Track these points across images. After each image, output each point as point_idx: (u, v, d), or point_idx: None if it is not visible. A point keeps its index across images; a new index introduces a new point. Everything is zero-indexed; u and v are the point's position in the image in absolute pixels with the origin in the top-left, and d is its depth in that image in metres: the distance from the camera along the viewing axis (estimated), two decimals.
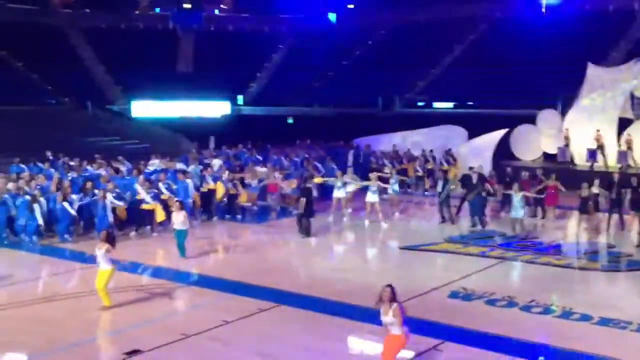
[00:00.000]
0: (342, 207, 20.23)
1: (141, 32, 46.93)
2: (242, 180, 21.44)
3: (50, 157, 23.23)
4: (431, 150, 26.67)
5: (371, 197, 19.42)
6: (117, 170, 21.01)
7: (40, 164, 21.93)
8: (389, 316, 8.03)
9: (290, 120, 40.36)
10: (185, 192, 18.91)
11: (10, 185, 17.57)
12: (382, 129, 31.65)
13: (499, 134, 27.73)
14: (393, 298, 8.03)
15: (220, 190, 20.02)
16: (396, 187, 20.98)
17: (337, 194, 20.06)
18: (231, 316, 10.97)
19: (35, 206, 16.65)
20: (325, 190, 21.64)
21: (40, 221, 16.76)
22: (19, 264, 15.35)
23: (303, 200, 17.69)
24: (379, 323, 10.29)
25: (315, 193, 20.57)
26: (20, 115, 33.05)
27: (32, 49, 39.64)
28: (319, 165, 24.30)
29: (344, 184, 20.27)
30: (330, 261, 16.20)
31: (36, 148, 24.97)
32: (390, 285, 8.12)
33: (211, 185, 20.02)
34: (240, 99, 44.62)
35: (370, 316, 10.82)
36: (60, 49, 42.61)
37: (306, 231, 17.73)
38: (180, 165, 22.58)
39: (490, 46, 39.73)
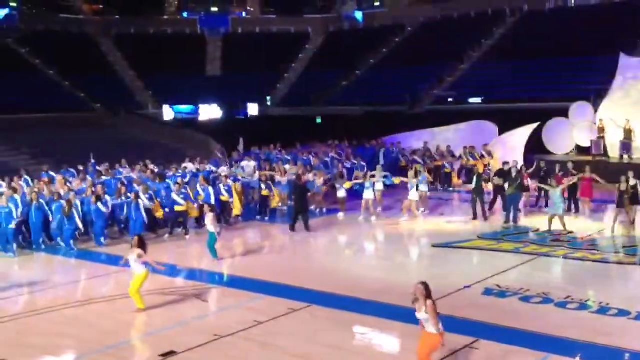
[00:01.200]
0: (371, 207, 20.08)
1: (170, 36, 47.44)
2: (272, 179, 21.51)
3: (91, 162, 23.61)
4: (466, 147, 26.40)
5: (412, 194, 19.39)
6: (162, 176, 20.78)
7: (71, 169, 22.27)
8: (422, 312, 7.99)
9: (318, 120, 40.34)
10: (210, 195, 19.00)
11: (45, 191, 17.91)
12: (411, 127, 31.48)
13: (530, 128, 27.38)
14: (427, 295, 7.97)
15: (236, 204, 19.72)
16: (425, 184, 20.81)
17: (367, 194, 19.98)
18: (263, 317, 11.02)
19: (73, 210, 16.92)
20: (355, 190, 21.60)
21: (80, 225, 17.05)
22: (55, 268, 15.66)
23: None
24: (412, 322, 10.27)
25: (343, 193, 20.57)
26: (54, 122, 33.65)
27: (64, 56, 40.30)
28: (347, 164, 24.31)
29: (373, 185, 20.16)
30: (362, 260, 16.16)
31: (69, 154, 25.44)
32: (423, 283, 8.07)
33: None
34: (268, 99, 44.80)
35: (402, 315, 10.78)
36: (92, 56, 43.28)
37: (306, 225, 18.25)
38: (210, 168, 22.82)
39: (519, 39, 39.13)
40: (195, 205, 18.43)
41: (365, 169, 22.74)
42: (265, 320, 10.89)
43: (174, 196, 18.16)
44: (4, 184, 18.86)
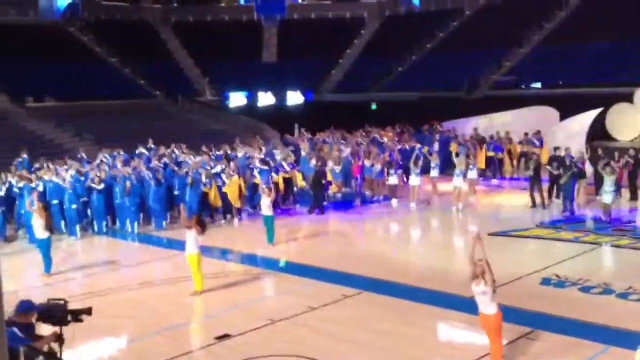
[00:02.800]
0: (417, 194, 19.84)
1: (227, 23, 47.92)
2: (325, 166, 21.54)
3: (151, 146, 24.17)
4: (526, 134, 25.78)
5: (456, 181, 19.07)
6: (227, 157, 21.31)
7: (123, 154, 22.72)
8: (480, 285, 7.88)
9: (373, 106, 40.12)
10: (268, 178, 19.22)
11: (104, 174, 18.42)
12: (468, 113, 30.93)
13: (592, 113, 26.50)
14: (489, 271, 7.88)
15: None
16: (474, 171, 20.39)
17: (413, 181, 19.78)
18: (316, 302, 11.10)
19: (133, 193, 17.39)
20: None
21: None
22: (117, 250, 16.17)
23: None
24: (466, 310, 10.19)
25: (395, 180, 20.46)
26: (115, 109, 34.59)
27: (125, 44, 41.25)
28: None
29: (421, 172, 19.91)
30: (415, 248, 16.07)
31: (130, 140, 26.08)
32: (483, 259, 7.96)
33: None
34: (323, 85, 44.82)
35: (456, 303, 10.71)
36: (152, 43, 44.16)
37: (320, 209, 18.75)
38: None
39: (581, 22, 37.84)
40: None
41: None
42: (318, 306, 10.97)
43: (224, 177, 18.49)
44: (68, 167, 19.50)
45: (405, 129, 29.19)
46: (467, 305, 10.22)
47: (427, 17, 46.63)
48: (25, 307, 6.66)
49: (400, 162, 21.89)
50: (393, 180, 20.55)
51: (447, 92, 36.80)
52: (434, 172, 20.71)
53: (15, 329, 6.37)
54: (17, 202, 17.43)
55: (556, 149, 19.79)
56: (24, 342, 6.34)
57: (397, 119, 30.89)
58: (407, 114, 32.11)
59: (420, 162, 20.01)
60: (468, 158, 20.55)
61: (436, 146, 25.13)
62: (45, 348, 6.50)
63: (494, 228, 16.47)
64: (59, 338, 6.35)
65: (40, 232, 13.53)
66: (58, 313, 6.36)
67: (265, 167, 19.49)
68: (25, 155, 21.69)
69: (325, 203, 19.82)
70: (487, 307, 7.97)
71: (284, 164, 20.45)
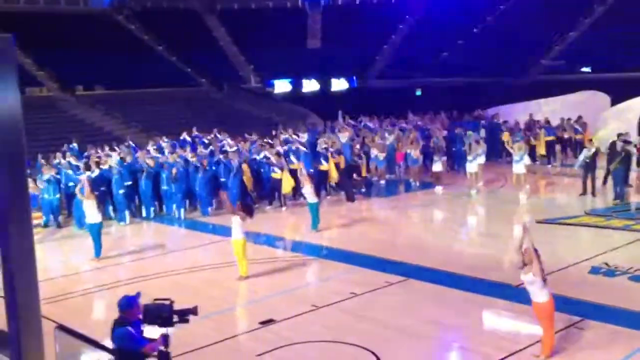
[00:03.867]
0: (474, 181, 19.66)
1: (271, 10, 48.00)
2: (367, 153, 21.47)
3: (196, 134, 24.52)
4: (569, 119, 25.16)
5: (516, 167, 18.67)
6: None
7: (166, 140, 23.04)
8: (528, 275, 7.77)
9: (418, 92, 39.74)
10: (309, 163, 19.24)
11: (150, 161, 18.72)
12: (516, 98, 30.34)
13: None
14: (537, 259, 7.78)
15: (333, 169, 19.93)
16: (526, 158, 19.97)
17: (469, 167, 19.53)
18: (360, 289, 11.10)
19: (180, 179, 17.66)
20: (460, 162, 21.20)
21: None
22: (164, 236, 16.46)
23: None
24: (512, 299, 10.05)
25: (439, 167, 20.26)
26: (162, 97, 35.13)
27: (171, 33, 41.75)
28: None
29: (476, 156, 19.64)
30: (462, 235, 15.89)
31: (176, 127, 26.47)
32: (532, 248, 7.85)
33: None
34: (367, 71, 44.57)
35: (503, 292, 10.57)
36: (197, 31, 44.59)
37: (349, 197, 18.78)
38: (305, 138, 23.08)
39: (634, 4, 36.60)
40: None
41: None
42: (362, 292, 10.97)
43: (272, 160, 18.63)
44: (115, 154, 19.90)
45: (446, 116, 28.81)
46: (516, 294, 10.09)
47: (473, 2, 45.81)
48: (128, 302, 6.48)
49: (445, 149, 21.66)
50: (437, 167, 20.35)
51: (495, 78, 36.17)
52: (480, 159, 20.41)
53: (130, 329, 6.21)
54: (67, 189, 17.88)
55: (619, 135, 19.07)
56: (143, 344, 6.15)
57: (442, 105, 30.54)
58: (453, 100, 31.71)
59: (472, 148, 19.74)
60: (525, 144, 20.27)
61: (482, 132, 24.73)
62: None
63: (543, 215, 16.15)
64: (167, 341, 6.12)
65: (92, 218, 13.86)
66: (164, 313, 6.13)
67: (307, 152, 19.55)
68: (75, 144, 22.19)
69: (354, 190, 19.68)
70: (538, 295, 7.90)
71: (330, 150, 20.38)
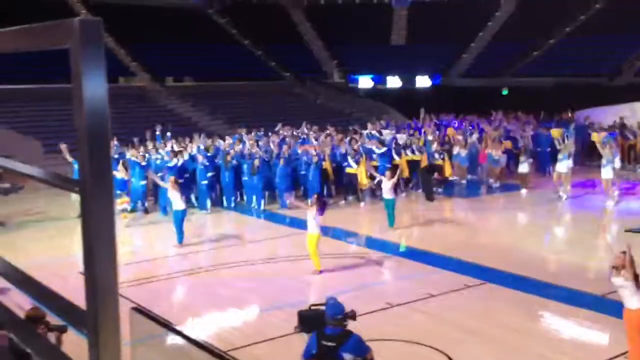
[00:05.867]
0: (562, 183, 18.88)
1: (357, 6, 47.98)
2: (450, 151, 21.11)
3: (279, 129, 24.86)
4: None
5: (604, 172, 17.89)
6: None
7: (241, 133, 23.37)
8: (619, 278, 7.43)
9: (504, 92, 38.70)
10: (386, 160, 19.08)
11: (232, 151, 19.08)
12: (609, 101, 29.02)
13: None
14: (631, 265, 7.41)
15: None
16: (616, 162, 19.06)
17: (559, 167, 18.77)
18: (436, 290, 10.94)
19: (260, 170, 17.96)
20: (542, 165, 20.50)
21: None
22: (244, 226, 16.80)
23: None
24: (597, 309, 9.63)
25: (526, 168, 19.63)
26: (247, 90, 35.82)
27: (258, 27, 42.48)
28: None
29: (567, 157, 18.84)
30: (545, 240, 15.37)
31: (260, 120, 26.92)
32: (625, 252, 7.49)
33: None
34: (452, 69, 43.83)
35: (586, 301, 10.15)
36: (284, 26, 45.16)
37: (429, 197, 18.63)
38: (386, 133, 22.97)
39: None
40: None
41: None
42: (439, 293, 10.80)
43: (349, 159, 18.59)
44: (201, 146, 20.41)
45: (534, 117, 27.92)
46: (600, 304, 9.69)
47: (565, 0, 44.15)
48: (338, 310, 5.98)
49: (532, 150, 21.01)
50: (523, 168, 19.72)
51: (586, 79, 34.73)
52: (569, 162, 19.61)
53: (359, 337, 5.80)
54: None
55: None
56: (368, 349, 5.84)
57: (529, 106, 29.61)
58: (541, 101, 30.68)
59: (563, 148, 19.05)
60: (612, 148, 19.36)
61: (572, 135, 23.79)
62: None
63: (634, 224, 15.37)
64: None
65: (176, 205, 14.27)
66: (322, 320, 5.93)
67: (383, 149, 19.43)
68: (158, 132, 22.70)
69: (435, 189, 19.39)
70: (629, 301, 7.49)
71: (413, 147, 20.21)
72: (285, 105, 34.02)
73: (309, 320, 6.17)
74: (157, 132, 22.14)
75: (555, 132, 22.01)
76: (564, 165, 18.61)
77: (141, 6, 39.36)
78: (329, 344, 5.72)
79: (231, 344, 8.74)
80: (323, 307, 6.05)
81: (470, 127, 24.86)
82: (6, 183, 16.35)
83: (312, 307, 6.43)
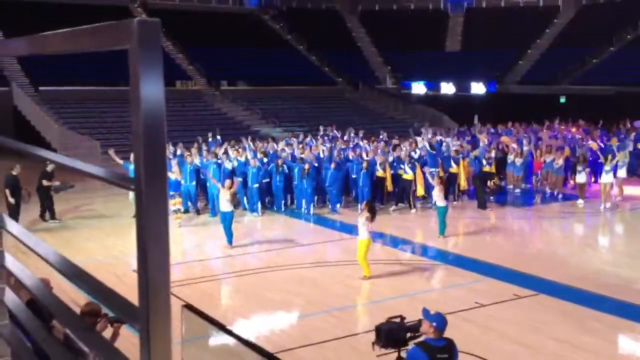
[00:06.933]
0: (609, 194, 18.29)
1: (412, 12, 47.75)
2: (504, 158, 20.74)
3: (326, 130, 24.95)
4: None
5: None
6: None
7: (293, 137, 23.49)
8: None
9: (562, 100, 37.81)
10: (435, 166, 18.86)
11: (284, 154, 19.16)
12: None
13: None
14: None
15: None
16: None
17: (604, 179, 18.24)
18: (486, 299, 10.76)
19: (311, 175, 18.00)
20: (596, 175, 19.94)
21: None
22: (293, 230, 16.87)
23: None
24: None
25: (584, 178, 19.12)
26: (301, 95, 36.06)
27: (312, 32, 42.73)
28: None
29: (614, 168, 18.30)
30: (600, 252, 14.93)
31: (312, 124, 27.05)
32: None
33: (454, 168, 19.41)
34: (508, 76, 43.08)
35: None
36: (338, 31, 45.32)
37: (482, 204, 18.36)
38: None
39: None
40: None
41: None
42: (488, 303, 10.62)
43: (405, 165, 18.44)
44: (253, 147, 20.59)
45: (596, 126, 27.20)
46: None
47: (628, 6, 42.85)
48: (446, 322, 5.70)
49: (590, 159, 20.44)
50: (580, 178, 19.20)
51: None
52: (621, 172, 19.03)
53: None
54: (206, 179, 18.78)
55: None
56: None
57: (588, 115, 28.86)
58: (601, 110, 29.85)
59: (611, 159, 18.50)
60: None
61: (630, 145, 23.10)
62: None
63: None
64: None
65: (225, 206, 14.45)
66: (401, 333, 5.84)
67: (434, 154, 19.24)
68: (210, 138, 22.97)
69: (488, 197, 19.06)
70: None
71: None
72: (336, 110, 34.11)
73: (389, 334, 5.96)
74: (210, 139, 22.52)
75: (613, 141, 21.43)
76: (609, 176, 18.06)
77: (198, 12, 40.17)
78: (444, 356, 5.58)
79: (278, 346, 8.79)
80: (398, 320, 5.92)
81: (525, 135, 24.38)
82: (56, 182, 16.83)
83: (390, 320, 6.25)
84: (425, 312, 5.74)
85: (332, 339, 9.30)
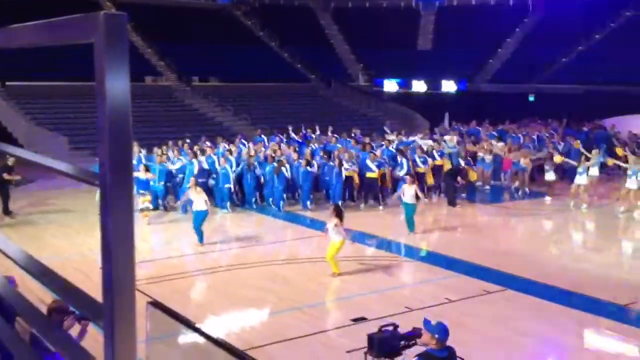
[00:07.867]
0: (582, 194, 18.63)
1: (384, 10, 47.90)
2: (474, 157, 20.96)
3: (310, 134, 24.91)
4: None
5: (629, 182, 17.62)
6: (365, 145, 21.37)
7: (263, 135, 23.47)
8: None
9: (531, 98, 38.35)
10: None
11: (253, 153, 19.10)
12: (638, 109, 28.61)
13: None
14: None
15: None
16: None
17: (578, 179, 18.55)
18: (456, 295, 10.87)
19: (283, 169, 17.97)
20: (569, 172, 20.27)
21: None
22: (264, 227, 16.84)
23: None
24: (619, 319, 9.51)
25: (552, 176, 19.43)
26: (272, 92, 35.91)
27: (285, 29, 42.59)
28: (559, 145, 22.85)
29: (587, 169, 18.62)
30: (565, 249, 15.19)
31: (283, 121, 26.98)
32: None
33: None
34: (479, 75, 43.53)
35: (607, 310, 10.02)
36: (311, 28, 45.24)
37: (451, 202, 18.42)
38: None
39: None
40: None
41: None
42: (457, 299, 10.74)
43: (368, 162, 18.47)
44: (227, 146, 20.50)
45: (559, 124, 27.67)
46: (622, 314, 9.55)
47: (597, 6, 43.60)
48: (448, 331, 5.48)
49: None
50: (550, 176, 19.52)
51: (615, 87, 34.28)
52: (593, 171, 19.36)
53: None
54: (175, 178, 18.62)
55: None
56: None
57: (556, 113, 29.31)
58: (569, 108, 30.36)
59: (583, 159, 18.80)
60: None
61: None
62: None
63: None
64: None
65: (198, 205, 14.26)
66: (395, 342, 5.74)
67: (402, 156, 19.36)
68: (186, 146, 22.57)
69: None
70: None
71: (435, 153, 20.09)
72: (308, 107, 34.07)
73: (383, 344, 5.85)
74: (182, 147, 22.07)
75: (576, 144, 21.77)
76: (583, 178, 18.32)
77: (169, 6, 39.73)
78: None
79: (248, 343, 8.76)
80: (391, 328, 5.82)
81: (495, 134, 24.66)
82: (17, 175, 16.59)
83: (383, 329, 6.12)
84: (427, 323, 5.52)
85: (303, 335, 9.31)
